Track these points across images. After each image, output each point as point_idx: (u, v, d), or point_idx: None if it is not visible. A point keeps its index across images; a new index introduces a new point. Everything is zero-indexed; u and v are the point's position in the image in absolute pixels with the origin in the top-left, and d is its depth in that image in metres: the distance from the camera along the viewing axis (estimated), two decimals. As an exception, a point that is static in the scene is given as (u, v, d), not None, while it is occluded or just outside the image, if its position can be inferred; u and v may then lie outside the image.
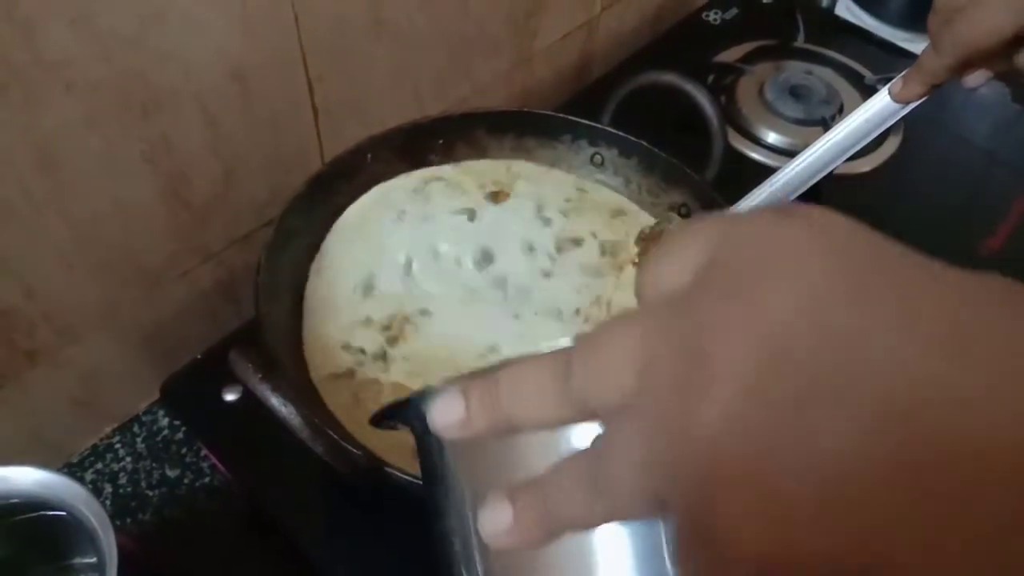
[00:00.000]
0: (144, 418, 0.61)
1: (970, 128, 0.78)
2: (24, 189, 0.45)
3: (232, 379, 0.52)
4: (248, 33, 0.51)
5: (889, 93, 0.45)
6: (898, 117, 0.46)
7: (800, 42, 0.85)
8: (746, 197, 0.51)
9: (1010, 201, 0.71)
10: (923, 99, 0.44)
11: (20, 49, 0.41)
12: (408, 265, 0.53)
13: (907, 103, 0.44)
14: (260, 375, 0.37)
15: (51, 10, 0.41)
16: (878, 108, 0.45)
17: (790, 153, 0.74)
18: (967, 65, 0.41)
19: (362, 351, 0.49)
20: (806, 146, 0.73)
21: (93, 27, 0.43)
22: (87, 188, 0.48)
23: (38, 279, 0.49)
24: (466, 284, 0.52)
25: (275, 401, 0.36)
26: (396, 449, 0.43)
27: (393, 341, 0.49)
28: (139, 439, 0.60)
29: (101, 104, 0.46)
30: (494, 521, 0.21)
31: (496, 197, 0.57)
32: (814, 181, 0.49)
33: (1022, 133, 0.78)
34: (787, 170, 0.50)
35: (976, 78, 0.42)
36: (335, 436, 0.39)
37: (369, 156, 0.56)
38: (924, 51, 0.42)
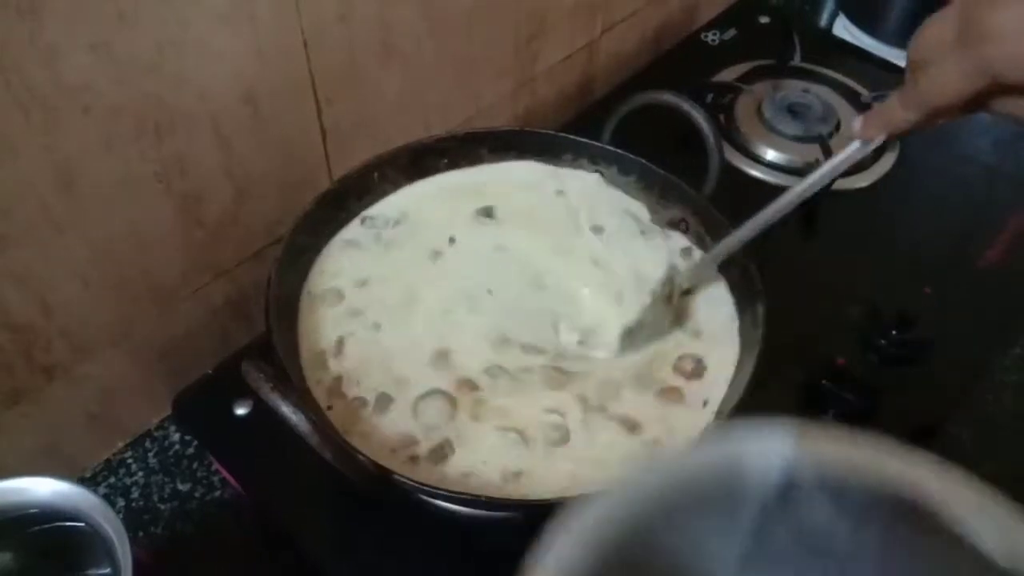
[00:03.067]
0: (156, 433, 0.62)
1: (967, 142, 0.79)
2: (43, 208, 0.47)
3: (243, 393, 0.54)
4: (260, 58, 0.52)
5: (852, 128, 0.44)
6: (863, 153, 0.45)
7: (797, 61, 0.86)
8: (720, 244, 0.52)
9: (1007, 215, 0.72)
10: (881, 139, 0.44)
11: (42, 73, 0.42)
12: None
13: (867, 140, 0.43)
14: (271, 384, 0.38)
15: (72, 36, 0.43)
16: (849, 152, 0.45)
17: (788, 170, 0.76)
18: (932, 118, 0.40)
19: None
20: (804, 163, 0.75)
21: (112, 53, 0.45)
22: (104, 208, 0.50)
23: (56, 296, 0.50)
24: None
25: (286, 409, 0.38)
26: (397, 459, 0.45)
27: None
28: (151, 453, 0.61)
29: (118, 127, 0.47)
30: None
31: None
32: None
33: (1019, 147, 0.79)
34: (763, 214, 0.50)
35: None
36: (345, 442, 0.40)
37: (376, 175, 0.57)
38: (891, 97, 0.41)
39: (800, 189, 0.48)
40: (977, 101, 0.38)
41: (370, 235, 0.56)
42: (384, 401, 0.47)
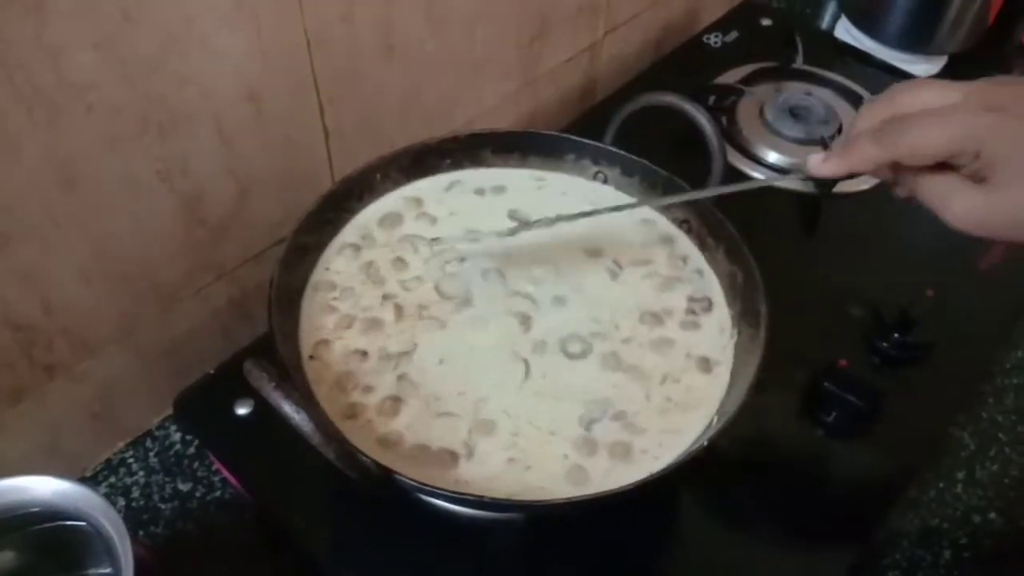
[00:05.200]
0: (157, 433, 0.62)
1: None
2: (46, 207, 0.47)
3: (244, 393, 0.54)
4: (263, 58, 0.52)
5: (808, 164, 0.45)
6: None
7: (799, 64, 0.86)
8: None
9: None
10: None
11: (46, 72, 0.42)
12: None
13: (825, 177, 0.44)
14: (274, 383, 0.38)
15: (76, 34, 0.43)
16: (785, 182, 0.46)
17: (790, 172, 0.76)
18: (894, 167, 0.42)
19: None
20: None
21: (116, 52, 0.45)
22: (106, 207, 0.50)
23: (57, 295, 0.50)
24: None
25: (288, 408, 0.37)
26: (399, 459, 0.45)
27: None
28: (152, 453, 0.61)
29: (121, 125, 0.47)
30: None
31: None
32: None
33: None
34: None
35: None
36: (347, 442, 0.40)
37: (379, 175, 0.57)
38: (857, 135, 0.42)
39: (717, 191, 0.51)
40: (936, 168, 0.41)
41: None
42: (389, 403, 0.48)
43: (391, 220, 0.57)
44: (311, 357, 0.49)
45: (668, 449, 0.46)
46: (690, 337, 0.52)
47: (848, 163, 0.43)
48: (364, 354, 0.50)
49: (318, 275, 0.54)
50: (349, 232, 0.56)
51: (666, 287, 0.55)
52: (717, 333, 0.52)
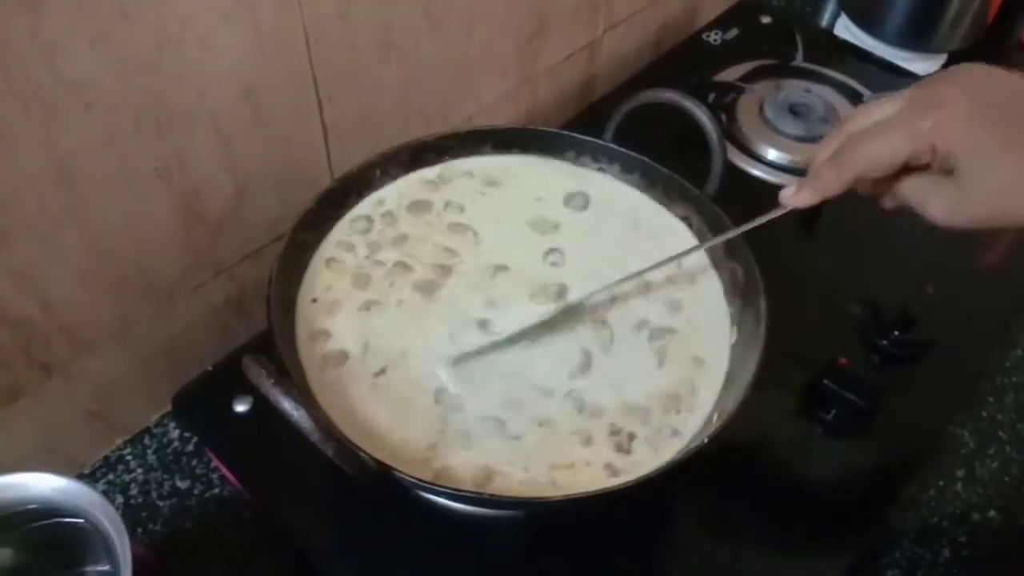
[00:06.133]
0: (155, 430, 0.62)
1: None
2: (42, 204, 0.46)
3: (242, 390, 0.53)
4: (261, 55, 0.52)
5: (780, 198, 0.47)
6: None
7: (799, 61, 0.86)
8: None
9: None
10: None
11: (42, 70, 0.42)
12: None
13: (796, 207, 0.46)
14: (272, 380, 0.38)
15: (73, 31, 0.43)
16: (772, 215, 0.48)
17: (790, 170, 0.76)
18: (860, 182, 0.44)
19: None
20: (805, 163, 0.75)
21: (113, 49, 0.45)
22: (103, 204, 0.49)
23: (54, 292, 0.50)
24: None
25: (287, 405, 0.37)
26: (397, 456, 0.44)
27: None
28: (150, 451, 0.61)
29: (118, 123, 0.47)
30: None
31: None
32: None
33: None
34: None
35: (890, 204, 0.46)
36: (346, 438, 0.40)
37: (377, 172, 0.57)
38: (819, 164, 0.45)
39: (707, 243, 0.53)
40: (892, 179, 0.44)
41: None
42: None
43: (390, 217, 0.57)
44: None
45: (667, 447, 0.46)
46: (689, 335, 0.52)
47: (816, 192, 0.45)
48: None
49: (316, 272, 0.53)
50: (347, 229, 0.56)
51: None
52: (716, 331, 0.52)
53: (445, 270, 0.54)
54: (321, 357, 0.49)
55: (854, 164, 0.43)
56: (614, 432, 0.47)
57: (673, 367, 0.50)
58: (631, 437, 0.47)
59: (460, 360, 0.49)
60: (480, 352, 0.49)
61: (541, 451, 0.46)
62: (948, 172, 0.41)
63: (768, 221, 0.49)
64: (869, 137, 0.42)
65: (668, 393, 0.49)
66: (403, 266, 0.54)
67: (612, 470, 0.45)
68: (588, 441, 0.46)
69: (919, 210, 0.43)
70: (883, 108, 0.43)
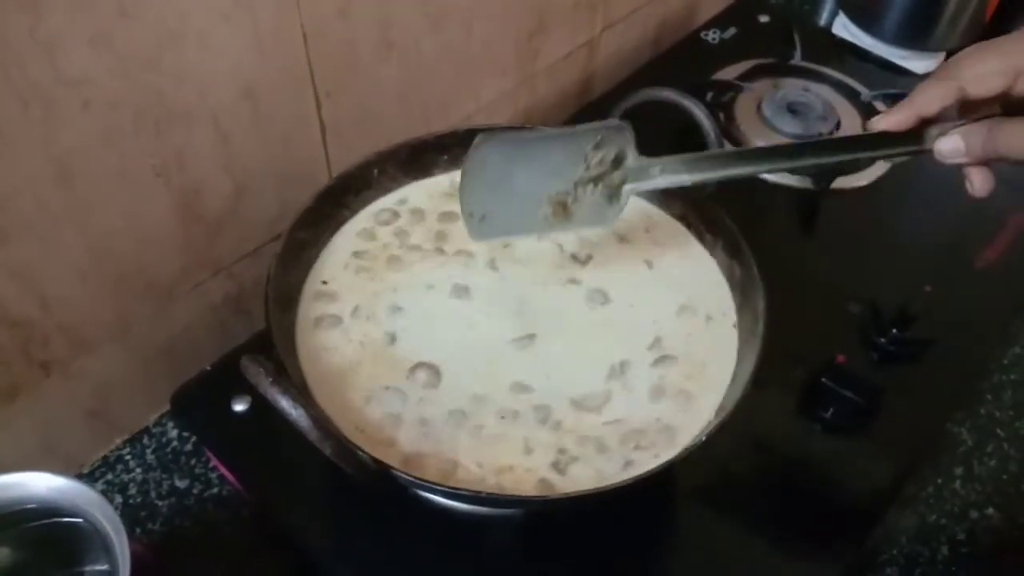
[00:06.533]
0: (154, 429, 0.62)
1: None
2: (41, 203, 0.46)
3: (241, 390, 0.53)
4: (260, 53, 0.52)
5: (870, 123, 0.45)
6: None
7: (797, 60, 0.86)
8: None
9: (1006, 213, 0.72)
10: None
11: (41, 67, 0.42)
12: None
13: (887, 129, 0.44)
14: (271, 379, 0.38)
15: (72, 30, 0.42)
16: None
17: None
18: (965, 105, 0.42)
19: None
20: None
21: (112, 47, 0.45)
22: (102, 203, 0.49)
23: (53, 291, 0.50)
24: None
25: (285, 404, 0.37)
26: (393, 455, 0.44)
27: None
28: (149, 450, 0.61)
29: (117, 121, 0.47)
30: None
31: None
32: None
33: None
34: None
35: (983, 184, 0.44)
36: (344, 437, 0.40)
37: (376, 171, 0.57)
38: (918, 87, 0.43)
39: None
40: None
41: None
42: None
43: (388, 216, 0.57)
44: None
45: (665, 445, 0.46)
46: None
47: (913, 106, 0.42)
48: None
49: (315, 271, 0.53)
50: (346, 227, 0.56)
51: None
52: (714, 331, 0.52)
53: None
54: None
55: (955, 74, 0.41)
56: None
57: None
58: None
59: None
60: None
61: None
62: None
63: (854, 144, 0.46)
64: (973, 51, 0.41)
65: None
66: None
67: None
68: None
69: (1020, 156, 0.41)
70: (987, 41, 0.42)
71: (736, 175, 0.48)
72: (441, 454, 0.45)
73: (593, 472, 0.45)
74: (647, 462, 0.45)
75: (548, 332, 0.51)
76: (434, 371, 0.48)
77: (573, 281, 0.54)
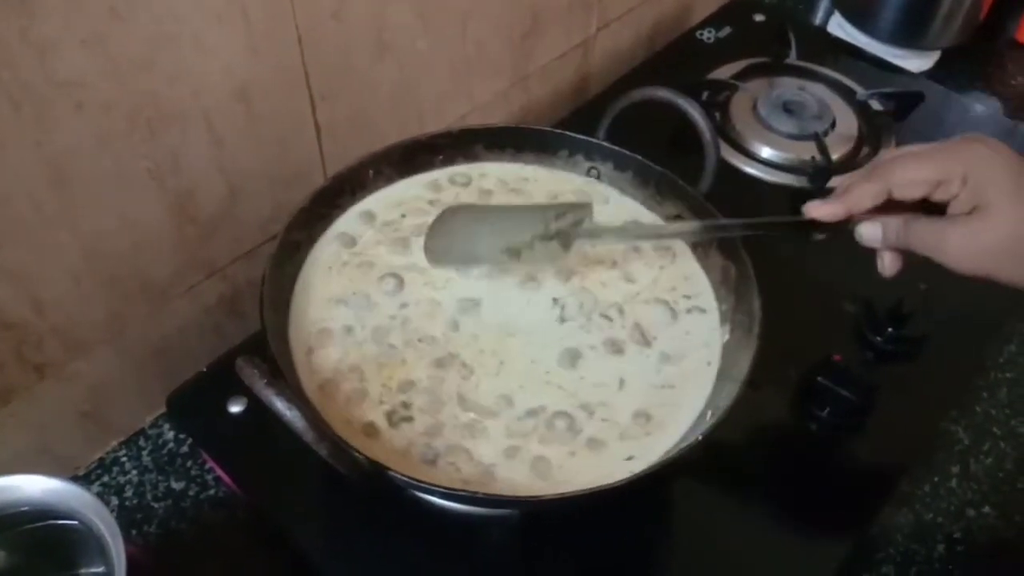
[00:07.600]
0: (150, 431, 0.62)
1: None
2: (35, 205, 0.46)
3: (237, 391, 0.53)
4: (254, 55, 0.52)
5: (806, 208, 0.47)
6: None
7: (792, 59, 0.86)
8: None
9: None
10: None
11: (33, 69, 0.42)
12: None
13: (819, 219, 0.46)
14: (265, 380, 0.38)
15: (65, 31, 0.42)
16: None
17: (783, 167, 0.76)
18: (885, 207, 0.44)
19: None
20: (799, 161, 0.75)
21: (105, 49, 0.44)
22: (96, 205, 0.49)
23: (47, 293, 0.50)
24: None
25: (280, 405, 0.37)
26: (392, 456, 0.44)
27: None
28: (145, 452, 0.61)
29: (111, 123, 0.47)
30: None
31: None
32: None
33: (1015, 147, 0.79)
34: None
35: (892, 265, 0.46)
36: (339, 438, 0.40)
37: (371, 172, 0.57)
38: (849, 182, 0.45)
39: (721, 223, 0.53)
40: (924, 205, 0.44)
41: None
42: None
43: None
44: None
45: (663, 445, 0.46)
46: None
47: (845, 204, 0.45)
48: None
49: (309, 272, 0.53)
50: (341, 228, 0.56)
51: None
52: (709, 329, 0.52)
53: None
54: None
55: (886, 177, 0.43)
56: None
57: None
58: None
59: None
60: None
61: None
62: (971, 210, 0.42)
63: (782, 223, 0.50)
64: (904, 157, 0.44)
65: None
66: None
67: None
68: None
69: (929, 251, 0.43)
70: (913, 147, 0.45)
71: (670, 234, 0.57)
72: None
73: (589, 472, 0.45)
74: (643, 461, 0.45)
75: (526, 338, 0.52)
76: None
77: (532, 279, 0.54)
